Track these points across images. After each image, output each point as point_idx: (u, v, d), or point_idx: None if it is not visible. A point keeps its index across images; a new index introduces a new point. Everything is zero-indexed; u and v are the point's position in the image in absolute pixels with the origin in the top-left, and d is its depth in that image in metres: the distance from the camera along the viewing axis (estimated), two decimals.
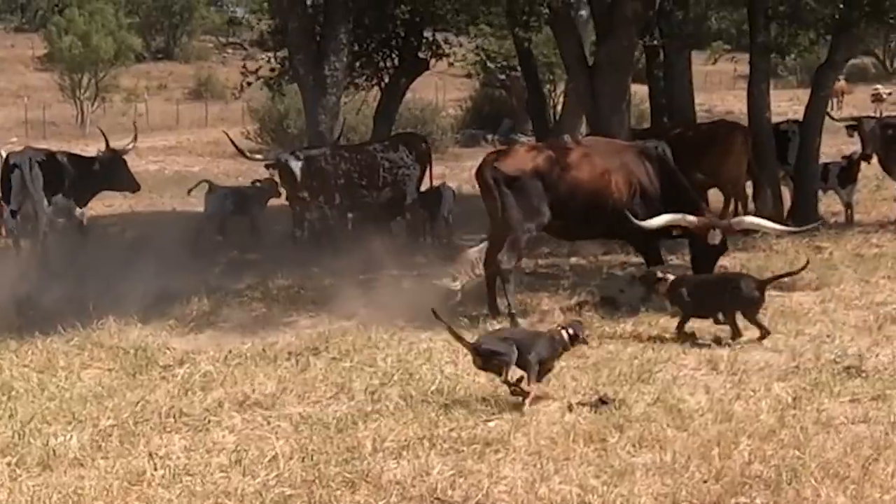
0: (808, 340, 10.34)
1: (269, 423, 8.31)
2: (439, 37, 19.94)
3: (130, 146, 17.26)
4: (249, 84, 20.34)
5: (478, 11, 18.80)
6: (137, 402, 8.80)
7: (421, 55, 19.53)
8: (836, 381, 8.83)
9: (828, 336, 10.46)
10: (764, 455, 7.25)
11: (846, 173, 17.89)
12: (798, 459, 7.11)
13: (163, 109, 51.02)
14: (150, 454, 7.56)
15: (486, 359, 8.64)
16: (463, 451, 7.50)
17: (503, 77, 33.71)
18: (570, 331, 8.95)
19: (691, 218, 11.77)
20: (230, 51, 20.57)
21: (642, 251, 12.80)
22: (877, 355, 9.77)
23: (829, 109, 22.06)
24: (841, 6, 17.47)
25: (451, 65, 20.16)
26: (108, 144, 16.87)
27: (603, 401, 8.45)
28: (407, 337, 10.90)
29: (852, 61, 67.00)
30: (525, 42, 20.13)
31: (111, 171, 16.69)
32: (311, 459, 7.38)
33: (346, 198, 16.09)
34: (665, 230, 11.95)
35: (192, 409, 8.60)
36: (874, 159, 17.94)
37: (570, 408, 8.39)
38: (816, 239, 15.84)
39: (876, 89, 46.87)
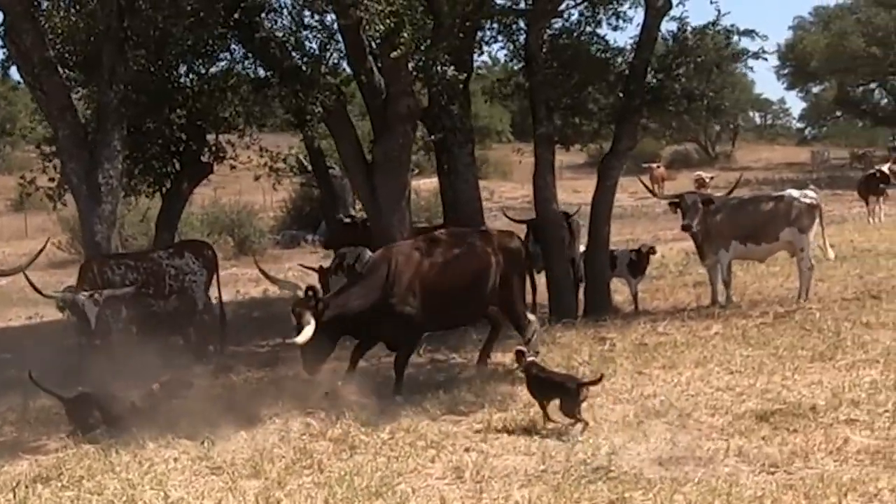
0: (563, 440, 9.95)
1: None
2: (224, 139, 19.38)
3: None
4: (29, 195, 19.56)
5: (257, 112, 18.37)
6: None
7: (204, 159, 18.99)
8: (579, 486, 8.43)
9: (584, 434, 10.07)
10: None
11: (635, 265, 17.82)
12: None
13: None
14: None
15: None
16: None
17: None
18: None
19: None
20: (53, 159, 19.59)
21: None
22: (628, 454, 9.42)
23: (652, 196, 22.20)
24: (621, 96, 17.53)
25: (233, 168, 19.62)
26: None
27: None
28: (150, 457, 10.25)
29: (675, 148, 68.99)
30: (313, 140, 19.79)
31: None
32: None
33: (132, 308, 15.35)
34: None
35: None
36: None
37: None
38: (603, 329, 15.66)
39: (699, 175, 47.66)
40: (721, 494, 8.03)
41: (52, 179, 19.04)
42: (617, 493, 8.17)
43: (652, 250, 18.20)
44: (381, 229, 16.16)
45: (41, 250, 15.58)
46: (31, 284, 15.25)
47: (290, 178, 22.08)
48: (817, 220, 17.51)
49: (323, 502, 8.44)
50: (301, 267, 23.57)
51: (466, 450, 9.84)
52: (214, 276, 16.26)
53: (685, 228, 17.40)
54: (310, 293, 12.32)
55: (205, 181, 21.10)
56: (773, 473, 8.69)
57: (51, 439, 11.62)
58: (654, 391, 11.73)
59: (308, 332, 11.83)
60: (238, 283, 27.63)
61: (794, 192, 18.01)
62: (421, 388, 12.59)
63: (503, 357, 13.58)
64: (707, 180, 46.68)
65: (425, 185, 35.35)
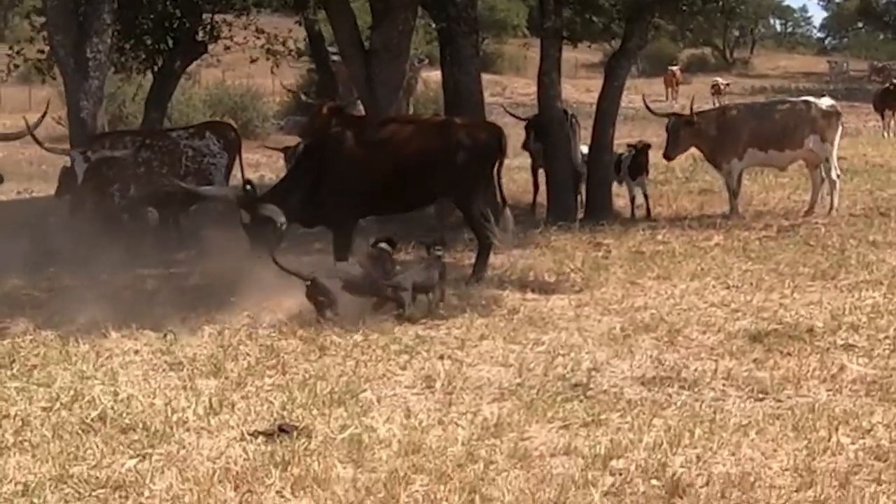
0: (544, 352, 9.39)
1: None
2: (220, 18, 18.68)
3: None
4: (17, 66, 18.98)
5: None
6: None
7: (198, 38, 18.30)
8: (553, 403, 7.87)
9: (564, 347, 9.52)
10: (434, 499, 6.28)
11: (635, 163, 17.14)
12: None
13: None
14: None
15: None
16: (89, 496, 6.40)
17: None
18: None
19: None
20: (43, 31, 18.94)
21: None
22: (611, 370, 8.89)
23: (666, 99, 21.40)
24: None
25: (227, 49, 18.91)
26: None
27: (283, 429, 7.39)
28: (109, 348, 9.75)
29: (691, 51, 67.78)
30: (314, 24, 19.11)
31: None
32: None
33: (144, 188, 14.87)
34: None
35: None
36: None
37: (243, 437, 7.33)
38: (599, 235, 15.10)
39: (715, 81, 46.68)
40: (704, 421, 7.48)
41: (41, 52, 18.46)
42: (593, 413, 7.62)
43: (648, 146, 17.57)
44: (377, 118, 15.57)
45: (44, 115, 14.99)
46: (35, 139, 14.74)
47: (287, 63, 21.29)
48: (840, 130, 16.94)
49: (280, 407, 7.89)
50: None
51: (441, 357, 9.29)
52: (236, 160, 15.77)
53: (666, 157, 16.89)
54: (248, 187, 12.08)
55: (213, 62, 20.48)
56: (761, 400, 8.13)
57: (14, 323, 11.13)
58: (645, 303, 11.19)
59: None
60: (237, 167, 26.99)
61: (812, 99, 17.42)
62: None
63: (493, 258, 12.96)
64: (723, 86, 45.78)
65: (435, 76, 34.57)
